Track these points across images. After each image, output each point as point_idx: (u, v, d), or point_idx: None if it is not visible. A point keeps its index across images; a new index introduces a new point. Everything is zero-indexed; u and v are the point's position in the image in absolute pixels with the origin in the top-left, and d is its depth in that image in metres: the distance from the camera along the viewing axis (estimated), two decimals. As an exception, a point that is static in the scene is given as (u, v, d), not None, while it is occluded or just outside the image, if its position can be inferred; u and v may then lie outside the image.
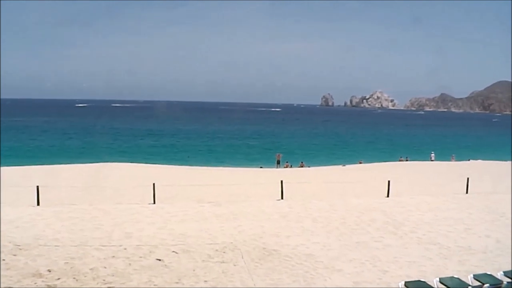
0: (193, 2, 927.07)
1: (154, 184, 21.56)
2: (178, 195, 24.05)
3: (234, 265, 13.42)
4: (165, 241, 15.36)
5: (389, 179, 25.18)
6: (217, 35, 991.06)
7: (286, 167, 49.51)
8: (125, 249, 14.33)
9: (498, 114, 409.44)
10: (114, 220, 17.85)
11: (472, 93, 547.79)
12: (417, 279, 11.90)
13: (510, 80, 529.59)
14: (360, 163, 52.28)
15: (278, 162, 50.66)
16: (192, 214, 19.20)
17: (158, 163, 45.63)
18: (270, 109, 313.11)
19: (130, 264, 13.17)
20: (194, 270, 12.91)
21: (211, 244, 15.21)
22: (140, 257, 13.72)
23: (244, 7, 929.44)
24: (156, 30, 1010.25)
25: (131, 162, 43.70)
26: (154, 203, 21.18)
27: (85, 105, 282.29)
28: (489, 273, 12.12)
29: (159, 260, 13.58)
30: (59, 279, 11.96)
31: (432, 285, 11.30)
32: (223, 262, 13.61)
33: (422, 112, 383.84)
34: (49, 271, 12.42)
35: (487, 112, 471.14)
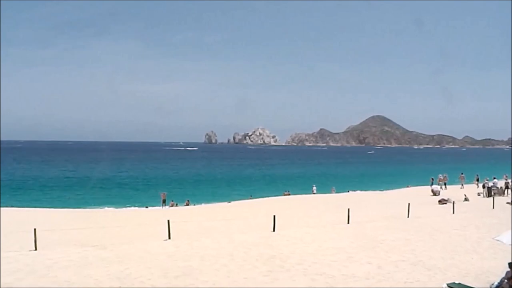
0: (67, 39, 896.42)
1: (35, 229, 20.52)
2: (60, 240, 23.01)
3: (123, 310, 13.13)
4: (48, 290, 14.67)
5: (274, 214, 25.85)
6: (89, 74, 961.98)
7: (172, 206, 49.12)
8: (3, 301, 13.54)
9: (378, 147, 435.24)
10: (-10, 271, 16.75)
11: (349, 127, 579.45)
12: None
13: (382, 114, 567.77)
14: (251, 198, 53.31)
15: (164, 201, 50.10)
16: (75, 259, 18.51)
17: (36, 207, 43.45)
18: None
19: (10, 317, 12.45)
20: (80, 318, 12.47)
21: (97, 290, 14.75)
22: (21, 308, 13.01)
23: (119, 46, 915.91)
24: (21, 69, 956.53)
25: (5, 207, 41.14)
26: (36, 249, 20.15)
27: None
28: None
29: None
30: None
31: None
32: (110, 307, 13.27)
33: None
34: None
35: (363, 145, 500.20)
